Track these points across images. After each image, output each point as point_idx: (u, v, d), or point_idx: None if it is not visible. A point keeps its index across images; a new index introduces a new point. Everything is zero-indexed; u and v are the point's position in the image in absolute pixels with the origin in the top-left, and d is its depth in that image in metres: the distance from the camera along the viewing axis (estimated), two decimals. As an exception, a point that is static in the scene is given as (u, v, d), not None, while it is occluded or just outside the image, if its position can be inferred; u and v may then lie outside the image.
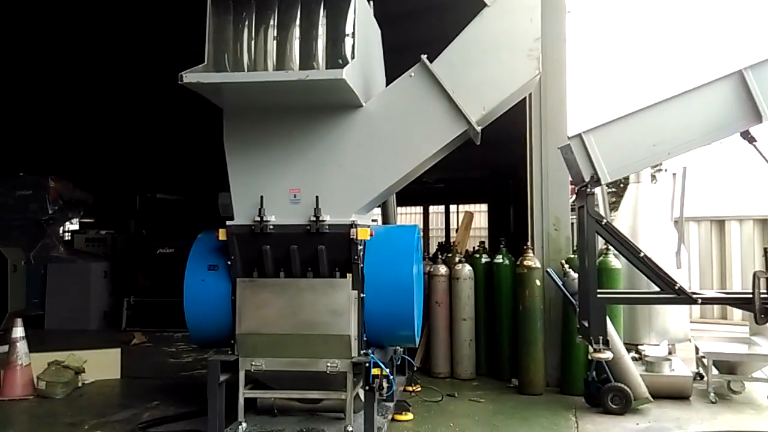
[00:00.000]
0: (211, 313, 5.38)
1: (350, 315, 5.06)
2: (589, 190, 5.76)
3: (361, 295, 5.18)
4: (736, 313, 11.94)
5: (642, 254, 5.69)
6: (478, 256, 8.33)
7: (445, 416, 6.38)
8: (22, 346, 7.38)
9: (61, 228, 15.31)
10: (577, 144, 5.59)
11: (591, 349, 5.87)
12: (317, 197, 5.04)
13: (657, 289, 5.88)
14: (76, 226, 20.25)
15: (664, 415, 6.36)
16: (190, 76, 4.55)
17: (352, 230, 5.03)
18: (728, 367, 7.08)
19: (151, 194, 14.07)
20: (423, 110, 5.06)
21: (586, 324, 5.84)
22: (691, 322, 8.26)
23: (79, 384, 7.68)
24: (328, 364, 5.09)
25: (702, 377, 7.38)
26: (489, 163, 12.72)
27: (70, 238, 16.77)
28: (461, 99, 4.97)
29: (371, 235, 5.15)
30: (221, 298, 5.33)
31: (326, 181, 5.11)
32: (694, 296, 5.66)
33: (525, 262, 7.30)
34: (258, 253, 5.19)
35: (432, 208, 18.38)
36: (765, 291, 5.47)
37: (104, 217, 18.11)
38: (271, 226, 5.11)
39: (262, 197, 5.09)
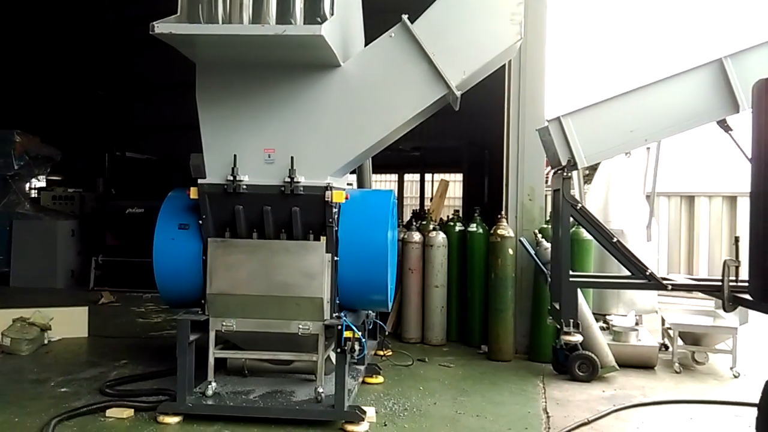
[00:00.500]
0: (182, 272, 5.30)
1: (323, 278, 5.02)
2: (565, 174, 5.77)
3: (335, 258, 5.13)
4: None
5: (615, 239, 5.74)
6: (452, 224, 8.35)
7: (414, 380, 6.43)
8: (-15, 303, 7.23)
9: (28, 185, 14.97)
10: (555, 127, 5.59)
11: (562, 331, 5.96)
12: (292, 158, 4.95)
13: (628, 273, 5.98)
14: (43, 184, 19.86)
15: (630, 383, 6.49)
16: (161, 27, 4.39)
17: (327, 192, 4.96)
18: (693, 338, 7.23)
19: (120, 152, 13.77)
20: (402, 72, 4.97)
21: (557, 306, 5.91)
22: (657, 294, 8.39)
23: (45, 341, 7.57)
24: (300, 326, 5.06)
25: (667, 348, 7.55)
26: (465, 132, 12.68)
27: (36, 195, 16.44)
28: (441, 62, 4.88)
29: (346, 198, 5.08)
30: (192, 258, 5.25)
31: (302, 142, 5.01)
32: (665, 282, 5.74)
33: (498, 231, 7.33)
34: (230, 213, 5.10)
35: (407, 177, 18.32)
36: (734, 279, 5.55)
37: (72, 175, 17.75)
38: (245, 186, 5.01)
39: (235, 156, 4.98)
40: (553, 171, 5.83)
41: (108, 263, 12.60)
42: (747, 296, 4.12)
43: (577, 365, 6.49)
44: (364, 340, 4.93)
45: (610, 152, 6.09)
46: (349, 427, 4.88)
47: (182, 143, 14.63)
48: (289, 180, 4.95)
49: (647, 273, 5.68)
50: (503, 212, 7.53)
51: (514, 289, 7.34)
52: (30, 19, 15.31)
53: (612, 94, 5.67)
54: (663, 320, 7.97)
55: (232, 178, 4.98)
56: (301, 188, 4.97)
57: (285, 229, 5.13)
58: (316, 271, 5.02)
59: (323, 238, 5.10)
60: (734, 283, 5.52)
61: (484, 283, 7.78)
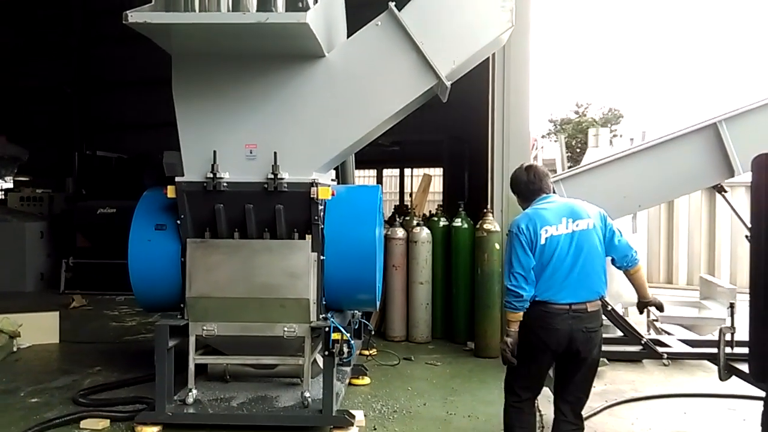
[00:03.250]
0: (159, 275, 5.04)
1: (309, 278, 4.81)
2: None
3: (321, 257, 4.92)
4: (681, 278, 12.23)
5: (610, 307, 5.57)
6: (436, 219, 8.19)
7: (402, 380, 6.26)
8: (-50, 310, 6.88)
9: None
10: None
11: None
12: (275, 153, 4.71)
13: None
14: (10, 185, 19.26)
15: (619, 377, 6.40)
16: (135, 16, 4.13)
17: (313, 189, 4.74)
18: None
19: (90, 151, 13.34)
20: (389, 62, 4.76)
21: None
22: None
23: (14, 349, 7.25)
24: (285, 329, 4.85)
25: (649, 338, 7.47)
26: (445, 126, 12.50)
27: (3, 196, 15.90)
28: (430, 51, 4.68)
29: (333, 194, 4.87)
30: (170, 260, 4.99)
31: (285, 137, 4.78)
32: (660, 350, 5.55)
33: (485, 226, 7.19)
34: (210, 213, 4.86)
35: (386, 172, 18.08)
36: (729, 343, 5.28)
37: (41, 175, 17.19)
38: (225, 184, 4.76)
39: (215, 152, 4.74)
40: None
41: (79, 265, 12.20)
42: (743, 366, 3.98)
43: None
44: (352, 341, 4.73)
45: None
46: (337, 432, 4.69)
47: (155, 141, 14.22)
48: (272, 176, 4.72)
49: (643, 341, 5.51)
50: (489, 206, 7.38)
51: (501, 284, 7.19)
52: (-7, 13, 14.82)
53: (603, 160, 5.45)
54: (648, 312, 7.90)
55: (211, 176, 4.73)
56: (285, 185, 4.74)
57: (268, 228, 4.91)
58: (302, 271, 4.81)
59: (308, 237, 4.89)
60: (730, 351, 5.27)
61: (469, 279, 7.65)
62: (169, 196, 4.85)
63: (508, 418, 3.89)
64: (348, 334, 4.71)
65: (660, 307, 4.04)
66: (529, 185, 3.91)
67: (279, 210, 4.81)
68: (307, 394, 4.87)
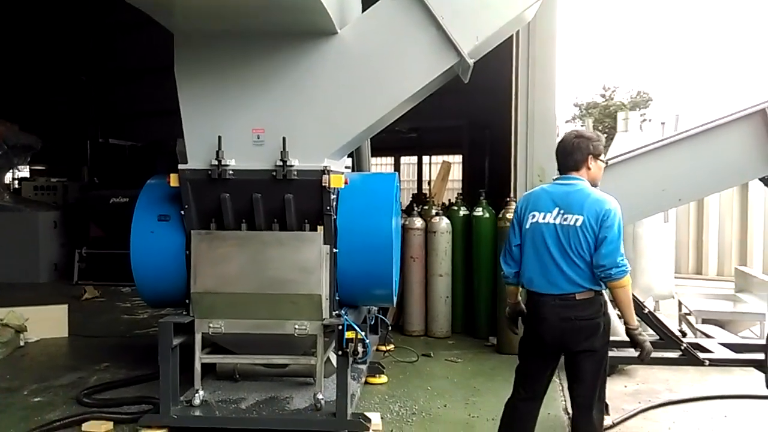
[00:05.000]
0: (163, 269, 4.75)
1: (321, 272, 4.49)
2: None
3: (334, 250, 4.60)
4: (711, 269, 11.76)
5: (646, 310, 5.13)
6: (456, 208, 7.84)
7: (421, 378, 5.95)
8: (-46, 303, 6.68)
9: (9, 175, 14.32)
10: None
11: None
12: (284, 138, 4.38)
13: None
14: (26, 173, 19.21)
15: (652, 375, 6.04)
16: (133, -11, 3.81)
17: (325, 177, 4.40)
18: (716, 325, 6.77)
19: (103, 139, 13.12)
20: (407, 39, 4.38)
21: None
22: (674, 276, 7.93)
23: (21, 343, 7.03)
24: (296, 327, 4.53)
25: (685, 335, 7.07)
26: (465, 111, 12.09)
27: (18, 185, 15.79)
28: (452, 26, 4.29)
29: (346, 182, 4.53)
30: (174, 253, 4.70)
31: (294, 121, 4.44)
32: (701, 356, 5.07)
33: (508, 215, 6.80)
34: (216, 202, 4.54)
35: (403, 159, 17.67)
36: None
37: (55, 164, 17.08)
38: (231, 171, 4.44)
39: (220, 137, 4.41)
40: None
41: (92, 256, 12.02)
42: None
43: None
44: (368, 340, 4.41)
45: (640, 214, 5.50)
46: (352, 437, 4.38)
47: (167, 129, 13.98)
48: (281, 163, 4.39)
49: (682, 347, 5.05)
50: (512, 195, 7.01)
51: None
52: (6, 2, 14.57)
53: (639, 151, 4.96)
54: (680, 305, 7.52)
55: (216, 163, 4.41)
56: (295, 172, 4.40)
57: (277, 219, 4.59)
58: (313, 265, 4.48)
59: (320, 228, 4.56)
60: None
61: (491, 271, 7.29)
62: (171, 184, 4.54)
63: (504, 412, 3.79)
64: (363, 333, 4.39)
65: (644, 353, 3.61)
66: (564, 157, 3.61)
67: (289, 199, 4.48)
68: (319, 396, 4.56)
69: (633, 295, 4.34)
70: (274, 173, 4.41)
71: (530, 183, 6.94)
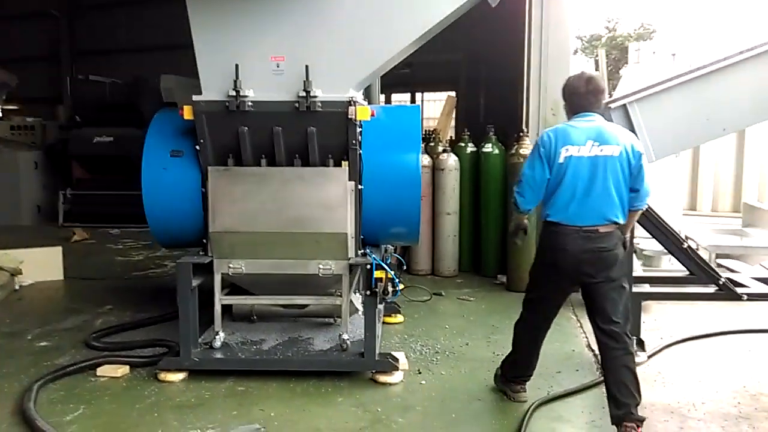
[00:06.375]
0: (177, 208, 4.51)
1: (347, 210, 4.29)
2: None
3: (359, 186, 4.38)
4: (705, 205, 11.79)
5: (686, 245, 4.94)
6: (463, 145, 7.62)
7: (436, 317, 5.87)
8: (-56, 246, 6.38)
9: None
10: (620, 116, 4.65)
11: None
12: (307, 67, 4.09)
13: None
14: (-3, 114, 18.43)
15: (668, 311, 6.01)
16: None
17: (351, 108, 4.15)
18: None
19: (83, 76, 12.53)
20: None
21: None
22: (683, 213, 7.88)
23: (16, 287, 6.78)
24: (320, 266, 4.36)
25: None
26: (461, 45, 11.73)
27: (-8, 126, 15.12)
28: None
29: (372, 115, 4.27)
30: (189, 191, 4.45)
31: (317, 48, 4.14)
32: (740, 292, 4.91)
33: (520, 151, 6.62)
34: (233, 136, 4.27)
35: (395, 97, 17.22)
36: None
37: (29, 103, 16.37)
38: (250, 103, 4.16)
39: (237, 66, 4.11)
40: None
41: (77, 197, 11.65)
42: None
43: (612, 295, 5.95)
44: (397, 280, 4.25)
45: (683, 144, 5.23)
46: (381, 377, 4.27)
47: (149, 65, 13.45)
48: (303, 94, 4.11)
49: (720, 282, 4.89)
50: (524, 129, 6.80)
51: (536, 214, 6.69)
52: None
53: (685, 76, 4.67)
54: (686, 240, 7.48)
55: (234, 93, 4.12)
56: (319, 104, 4.13)
57: (299, 154, 4.34)
58: (339, 202, 4.28)
59: (345, 163, 4.33)
60: None
61: (500, 208, 7.18)
62: (185, 117, 4.24)
63: (515, 330, 4.03)
64: (392, 272, 4.24)
65: (624, 246, 3.73)
66: (582, 98, 3.65)
67: (312, 133, 4.23)
68: (345, 337, 4.43)
69: (673, 230, 4.19)
70: (296, 104, 4.14)
71: (543, 118, 6.74)
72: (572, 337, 5.31)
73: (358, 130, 4.28)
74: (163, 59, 13.34)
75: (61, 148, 12.06)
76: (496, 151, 7.18)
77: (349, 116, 4.16)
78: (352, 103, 4.15)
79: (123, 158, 11.36)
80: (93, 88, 12.46)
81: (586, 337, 5.24)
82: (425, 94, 15.87)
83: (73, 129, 11.93)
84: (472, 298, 6.48)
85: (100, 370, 4.42)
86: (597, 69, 10.26)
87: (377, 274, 4.18)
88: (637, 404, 3.45)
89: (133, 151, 11.32)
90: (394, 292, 4.24)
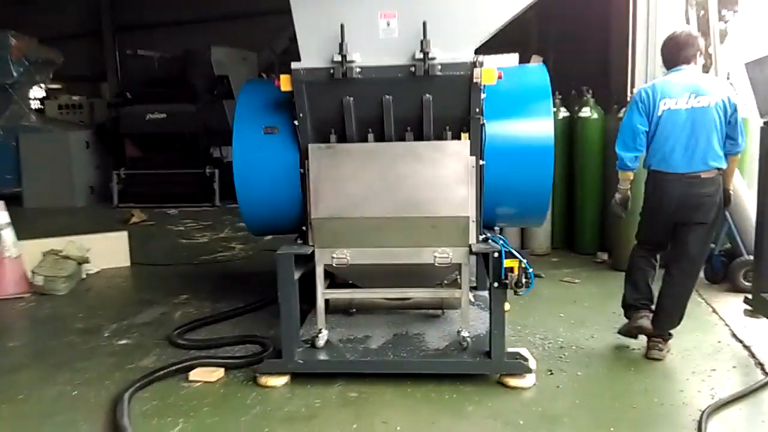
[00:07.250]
0: (272, 191, 4.00)
1: (468, 189, 3.71)
2: None
3: (481, 162, 3.79)
4: None
5: None
6: (555, 109, 6.91)
7: (544, 303, 5.27)
8: (7, 235, 6.02)
9: (30, 94, 13.37)
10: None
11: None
12: (424, 23, 3.49)
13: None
14: (41, 93, 18.23)
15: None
16: None
17: (476, 71, 3.54)
18: None
19: (132, 51, 12.09)
20: None
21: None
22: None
23: (83, 276, 6.40)
24: (437, 255, 3.79)
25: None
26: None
27: (40, 105, 14.87)
28: None
29: (500, 77, 3.65)
30: (286, 172, 3.92)
31: (434, 1, 3.54)
32: None
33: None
34: (337, 109, 3.71)
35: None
36: None
37: (74, 80, 16.07)
38: (358, 69, 3.58)
39: (342, 26, 3.52)
40: (763, 122, 4.20)
41: (131, 177, 11.30)
42: None
43: (742, 273, 5.33)
44: (530, 270, 3.67)
45: None
46: (511, 380, 3.72)
47: (196, 39, 12.94)
48: (420, 56, 3.51)
49: None
50: (630, 90, 6.10)
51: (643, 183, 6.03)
52: None
53: None
54: None
55: (339, 58, 3.54)
56: (439, 66, 3.54)
57: (411, 127, 3.76)
58: (459, 181, 3.69)
59: (464, 136, 3.74)
60: None
61: (599, 180, 6.51)
62: (283, 89, 3.68)
63: (631, 261, 4.23)
64: (525, 261, 3.65)
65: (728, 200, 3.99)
66: (679, 51, 3.86)
67: (428, 101, 3.64)
68: (465, 334, 3.88)
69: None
70: (413, 68, 3.54)
71: (651, 75, 6.03)
72: (710, 325, 4.69)
73: (482, 96, 3.67)
74: (210, 33, 12.90)
75: (112, 126, 11.68)
76: (595, 116, 6.50)
77: (474, 80, 3.55)
78: (477, 64, 3.54)
79: (177, 135, 10.95)
80: (141, 64, 12.01)
81: (727, 325, 4.62)
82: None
83: (124, 106, 11.53)
84: (577, 280, 5.88)
85: (193, 374, 3.96)
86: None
87: (507, 263, 3.60)
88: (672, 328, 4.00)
89: (187, 128, 11.03)
90: (527, 285, 3.66)
